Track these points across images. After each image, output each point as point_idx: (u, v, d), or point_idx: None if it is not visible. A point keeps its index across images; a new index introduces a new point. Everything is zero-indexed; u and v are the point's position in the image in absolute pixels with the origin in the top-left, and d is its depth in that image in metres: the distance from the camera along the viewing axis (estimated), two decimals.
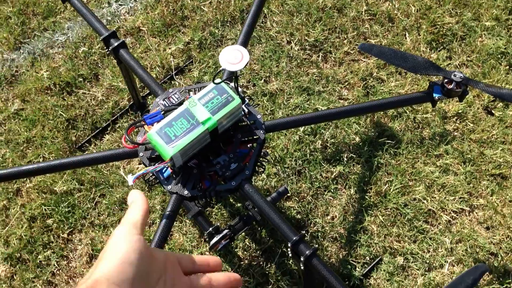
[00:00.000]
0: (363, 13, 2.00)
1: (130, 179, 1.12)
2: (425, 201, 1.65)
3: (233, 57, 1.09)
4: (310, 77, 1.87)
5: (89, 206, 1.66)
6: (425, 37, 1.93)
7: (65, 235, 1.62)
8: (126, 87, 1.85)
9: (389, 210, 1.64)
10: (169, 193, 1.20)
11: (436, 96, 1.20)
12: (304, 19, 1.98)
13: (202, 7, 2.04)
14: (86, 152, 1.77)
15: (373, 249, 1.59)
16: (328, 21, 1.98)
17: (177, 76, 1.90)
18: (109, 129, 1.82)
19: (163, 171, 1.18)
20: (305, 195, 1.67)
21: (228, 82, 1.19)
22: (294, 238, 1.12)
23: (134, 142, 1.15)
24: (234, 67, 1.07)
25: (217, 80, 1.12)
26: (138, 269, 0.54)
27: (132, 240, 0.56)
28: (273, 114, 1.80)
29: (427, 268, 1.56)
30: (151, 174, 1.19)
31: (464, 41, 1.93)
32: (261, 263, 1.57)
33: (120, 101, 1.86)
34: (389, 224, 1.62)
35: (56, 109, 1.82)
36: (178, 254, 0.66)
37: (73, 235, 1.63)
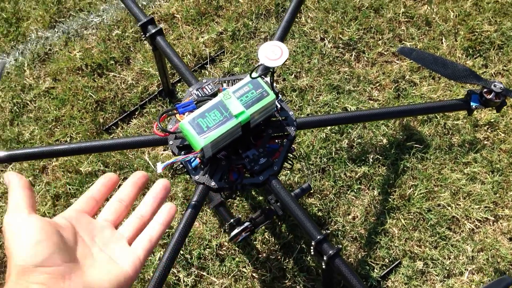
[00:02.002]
0: (400, 14, 1.97)
1: (159, 167, 1.13)
2: (449, 208, 1.63)
3: (272, 52, 1.08)
4: (341, 76, 1.85)
5: None
6: (462, 44, 1.90)
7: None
8: (156, 72, 1.86)
9: (412, 214, 1.63)
10: (195, 183, 1.21)
11: (473, 105, 1.19)
12: (340, 17, 1.96)
13: None
14: (113, 135, 1.79)
15: (393, 252, 1.58)
16: (364, 20, 1.95)
17: (207, 66, 1.90)
18: (136, 113, 1.83)
19: (191, 161, 1.19)
20: (328, 193, 1.66)
21: (263, 77, 1.19)
22: (318, 237, 1.12)
23: (166, 130, 1.16)
24: (272, 63, 1.07)
25: (254, 74, 1.11)
26: (51, 243, 0.53)
27: (28, 222, 0.55)
28: (301, 110, 1.79)
29: (446, 275, 1.55)
30: (179, 163, 1.20)
31: (501, 50, 1.90)
32: (279, 257, 1.57)
33: (149, 86, 1.87)
34: (411, 228, 1.61)
35: (86, 90, 1.84)
36: (74, 206, 0.65)
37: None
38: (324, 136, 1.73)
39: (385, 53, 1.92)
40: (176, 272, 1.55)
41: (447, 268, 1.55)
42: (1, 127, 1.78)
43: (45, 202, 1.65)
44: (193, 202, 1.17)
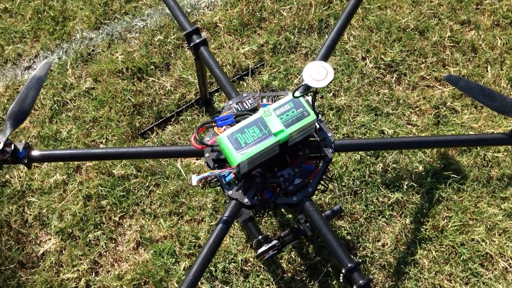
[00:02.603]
0: (446, 39, 1.93)
1: (194, 179, 1.13)
2: (483, 244, 1.58)
3: (317, 73, 1.07)
4: (381, 97, 1.82)
5: (143, 193, 1.69)
6: (508, 73, 1.84)
7: (117, 219, 1.65)
8: (195, 80, 1.87)
9: (444, 246, 1.58)
10: (228, 199, 1.20)
11: None
12: (383, 37, 1.93)
13: (281, 11, 2.02)
14: (147, 139, 1.80)
15: (422, 284, 1.53)
16: (407, 42, 1.92)
17: (246, 77, 1.90)
18: (172, 120, 1.83)
19: (226, 175, 1.18)
20: (359, 217, 1.63)
21: (304, 96, 1.17)
22: (349, 265, 1.09)
23: (203, 143, 1.15)
24: (317, 84, 1.05)
25: (297, 94, 1.10)
26: None
27: None
28: (337, 129, 1.77)
29: None
30: (213, 177, 1.19)
31: None
32: (304, 278, 1.55)
33: (187, 94, 1.88)
34: (442, 261, 1.56)
35: (125, 93, 1.86)
36: None
37: (124, 220, 1.66)
38: (359, 158, 1.70)
39: (428, 77, 1.88)
40: (200, 284, 1.54)
41: None
42: (40, 123, 1.81)
43: (76, 201, 1.67)
44: (224, 217, 1.16)
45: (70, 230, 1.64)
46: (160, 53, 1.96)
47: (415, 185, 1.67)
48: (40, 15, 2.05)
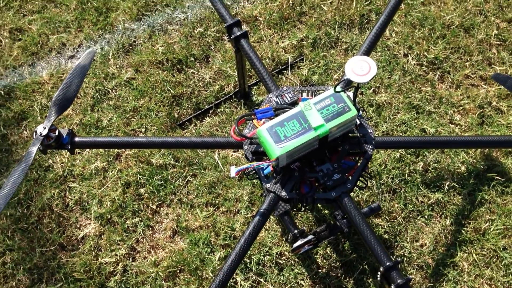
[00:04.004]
0: (492, 37, 1.87)
1: (233, 171, 1.13)
2: None
3: (360, 68, 1.05)
4: (423, 95, 1.78)
5: (180, 183, 1.70)
6: None
7: (154, 207, 1.68)
8: (234, 73, 1.87)
9: (485, 250, 1.53)
10: (266, 191, 1.19)
11: None
12: (427, 34, 1.89)
13: (322, 5, 2.00)
14: (186, 130, 1.81)
15: (461, 287, 1.50)
16: (452, 39, 1.87)
17: (285, 71, 1.89)
18: (210, 112, 1.84)
19: (264, 168, 1.18)
20: (397, 215, 1.60)
21: (345, 91, 1.16)
22: (388, 264, 1.07)
23: (243, 135, 1.15)
24: (360, 79, 1.04)
25: (338, 88, 1.08)
26: None
27: None
28: (377, 126, 1.74)
29: None
30: (252, 169, 1.19)
31: None
32: (339, 275, 1.53)
33: (225, 86, 1.88)
34: (482, 265, 1.51)
35: (165, 84, 1.88)
36: None
37: (161, 208, 1.69)
38: (398, 157, 1.67)
39: (472, 76, 1.83)
40: (234, 275, 1.54)
41: None
42: (83, 111, 1.85)
43: (115, 188, 1.70)
44: (262, 210, 1.16)
45: (109, 216, 1.67)
46: (200, 45, 1.97)
47: (457, 186, 1.63)
48: (84, 6, 2.09)
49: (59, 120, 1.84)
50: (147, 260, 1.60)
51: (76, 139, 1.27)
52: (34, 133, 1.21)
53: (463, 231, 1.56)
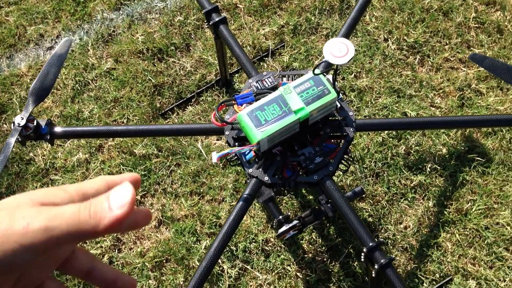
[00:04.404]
0: (471, 20, 1.88)
1: (214, 157, 1.12)
2: (508, 228, 1.55)
3: (338, 50, 1.05)
4: (403, 79, 1.79)
5: (164, 173, 1.70)
6: None
7: (138, 197, 1.67)
8: (215, 61, 1.86)
9: (468, 230, 1.55)
10: (248, 177, 1.19)
11: None
12: (406, 18, 1.89)
13: None
14: (168, 120, 1.80)
15: (445, 267, 1.51)
16: (431, 23, 1.88)
17: (266, 58, 1.88)
18: (193, 101, 1.83)
19: (246, 153, 1.18)
20: (380, 199, 1.61)
21: (325, 74, 1.16)
22: (371, 244, 1.08)
23: (223, 120, 1.15)
24: (337, 61, 1.04)
25: (317, 71, 1.08)
26: None
27: None
28: (359, 111, 1.75)
29: None
30: (233, 154, 1.18)
31: None
32: (325, 259, 1.54)
33: (207, 74, 1.87)
34: (465, 245, 1.53)
35: (146, 73, 1.86)
36: None
37: (146, 199, 1.68)
38: (381, 140, 1.68)
39: (452, 58, 1.84)
40: (220, 262, 1.54)
41: None
42: (63, 103, 1.83)
43: None
44: (245, 195, 1.16)
45: None
46: (180, 34, 1.95)
47: (439, 168, 1.64)
48: None
49: (39, 112, 1.81)
50: (133, 251, 1.59)
51: (55, 129, 1.25)
52: (12, 124, 1.19)
53: (445, 212, 1.58)
